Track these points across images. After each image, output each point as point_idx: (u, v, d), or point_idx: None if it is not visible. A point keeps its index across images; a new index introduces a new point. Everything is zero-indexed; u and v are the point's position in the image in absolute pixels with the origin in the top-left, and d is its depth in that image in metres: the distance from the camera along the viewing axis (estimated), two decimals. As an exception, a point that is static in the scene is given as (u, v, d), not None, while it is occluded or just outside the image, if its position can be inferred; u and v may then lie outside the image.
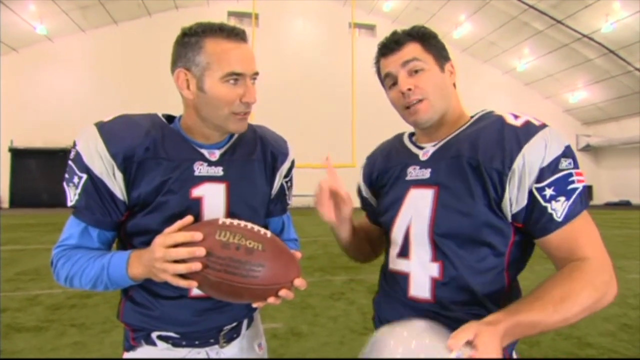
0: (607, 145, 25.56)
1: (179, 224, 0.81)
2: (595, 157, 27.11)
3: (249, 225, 0.83)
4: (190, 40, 0.89)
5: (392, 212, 0.96)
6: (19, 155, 18.92)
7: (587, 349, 2.92)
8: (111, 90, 19.65)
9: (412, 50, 0.91)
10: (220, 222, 0.82)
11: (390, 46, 0.93)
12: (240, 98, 0.89)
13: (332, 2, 22.98)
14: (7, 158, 18.78)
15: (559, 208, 0.78)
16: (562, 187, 0.78)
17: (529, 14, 19.67)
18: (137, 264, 0.84)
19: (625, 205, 24.67)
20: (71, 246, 0.92)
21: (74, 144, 0.90)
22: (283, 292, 0.81)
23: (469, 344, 0.64)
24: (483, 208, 0.83)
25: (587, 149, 26.65)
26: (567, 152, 0.80)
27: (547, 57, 22.42)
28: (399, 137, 1.10)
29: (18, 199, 18.67)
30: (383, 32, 1.01)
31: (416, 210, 0.91)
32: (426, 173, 0.92)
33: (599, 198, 26.91)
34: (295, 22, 22.86)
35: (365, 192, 1.13)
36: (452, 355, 0.62)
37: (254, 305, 0.85)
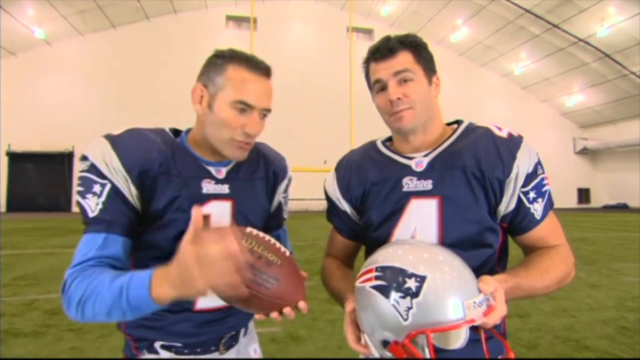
0: (604, 148, 25.70)
1: (196, 218, 0.72)
2: (593, 160, 27.24)
3: (272, 240, 0.87)
4: (217, 61, 0.92)
5: (390, 224, 0.96)
6: (16, 159, 18.90)
7: (585, 352, 2.92)
8: (109, 94, 19.65)
9: (404, 60, 0.93)
10: (247, 230, 0.85)
11: (383, 53, 0.94)
12: (243, 127, 0.91)
13: (330, 6, 23.11)
14: (4, 162, 18.75)
15: (538, 208, 0.92)
16: (539, 190, 0.92)
17: (525, 19, 19.83)
18: (162, 282, 0.71)
19: (622, 208, 24.78)
20: (91, 263, 0.81)
21: (84, 157, 0.87)
22: (287, 310, 0.85)
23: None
24: (486, 214, 0.92)
25: (584, 152, 26.78)
26: (539, 159, 0.93)
27: (544, 61, 22.59)
28: (373, 147, 1.07)
29: (15, 203, 18.62)
30: (381, 36, 1.02)
31: (420, 220, 0.93)
32: (427, 184, 0.93)
33: (596, 201, 27.00)
34: (294, 26, 22.97)
35: (346, 207, 1.06)
36: (480, 298, 0.70)
37: (257, 316, 0.87)
